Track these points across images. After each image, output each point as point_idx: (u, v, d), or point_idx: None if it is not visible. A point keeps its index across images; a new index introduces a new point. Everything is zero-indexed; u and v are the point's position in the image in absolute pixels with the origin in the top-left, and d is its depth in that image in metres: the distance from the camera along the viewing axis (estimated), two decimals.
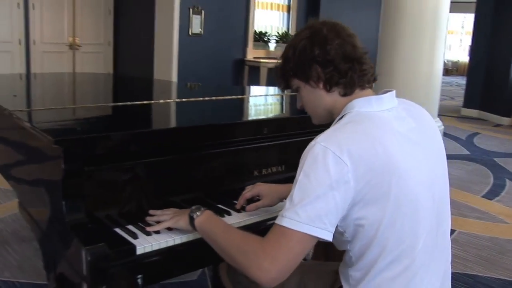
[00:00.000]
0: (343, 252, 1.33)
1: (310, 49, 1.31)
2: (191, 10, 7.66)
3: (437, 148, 1.36)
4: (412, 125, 1.31)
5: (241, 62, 8.90)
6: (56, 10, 7.76)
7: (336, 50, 1.29)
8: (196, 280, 2.63)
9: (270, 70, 8.85)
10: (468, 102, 9.21)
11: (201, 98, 2.43)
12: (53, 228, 1.53)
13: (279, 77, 1.43)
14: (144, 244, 1.37)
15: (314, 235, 1.17)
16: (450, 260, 1.39)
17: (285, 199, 1.68)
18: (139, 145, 1.58)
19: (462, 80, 16.25)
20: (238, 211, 1.61)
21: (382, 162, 1.18)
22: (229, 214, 1.61)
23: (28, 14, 7.45)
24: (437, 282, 1.31)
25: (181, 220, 1.41)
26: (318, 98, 1.36)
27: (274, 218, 1.25)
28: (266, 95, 3.11)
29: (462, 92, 9.95)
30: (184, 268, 1.55)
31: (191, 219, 1.38)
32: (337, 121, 1.32)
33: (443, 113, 8.15)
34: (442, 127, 6.34)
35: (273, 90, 3.16)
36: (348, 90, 1.32)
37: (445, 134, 6.93)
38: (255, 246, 1.21)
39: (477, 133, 7.63)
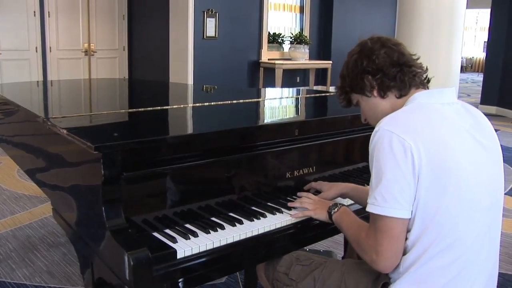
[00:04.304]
0: None
1: (360, 62, 1.43)
2: (205, 13, 7.68)
3: (496, 149, 1.38)
4: (472, 122, 1.35)
5: (256, 63, 8.90)
6: (71, 17, 7.84)
7: (384, 58, 1.40)
8: (225, 282, 2.64)
9: (285, 71, 8.84)
10: (486, 98, 9.07)
11: (229, 102, 2.43)
12: (90, 233, 1.55)
13: (340, 95, 1.54)
14: (184, 248, 1.38)
15: (393, 216, 1.23)
16: (497, 264, 1.39)
17: (343, 195, 1.78)
18: (175, 149, 1.59)
19: (477, 77, 16.09)
20: (289, 209, 1.70)
21: (443, 149, 1.23)
22: (280, 212, 1.69)
23: (44, 22, 7.54)
24: (482, 281, 1.32)
25: (322, 215, 1.60)
26: (376, 105, 1.45)
27: None
28: (298, 97, 3.11)
29: (479, 88, 9.83)
30: (223, 270, 1.56)
31: (330, 215, 1.57)
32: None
33: None
34: None
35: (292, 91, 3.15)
36: (403, 91, 1.41)
37: None
38: (364, 239, 1.33)
39: (496, 130, 7.47)
